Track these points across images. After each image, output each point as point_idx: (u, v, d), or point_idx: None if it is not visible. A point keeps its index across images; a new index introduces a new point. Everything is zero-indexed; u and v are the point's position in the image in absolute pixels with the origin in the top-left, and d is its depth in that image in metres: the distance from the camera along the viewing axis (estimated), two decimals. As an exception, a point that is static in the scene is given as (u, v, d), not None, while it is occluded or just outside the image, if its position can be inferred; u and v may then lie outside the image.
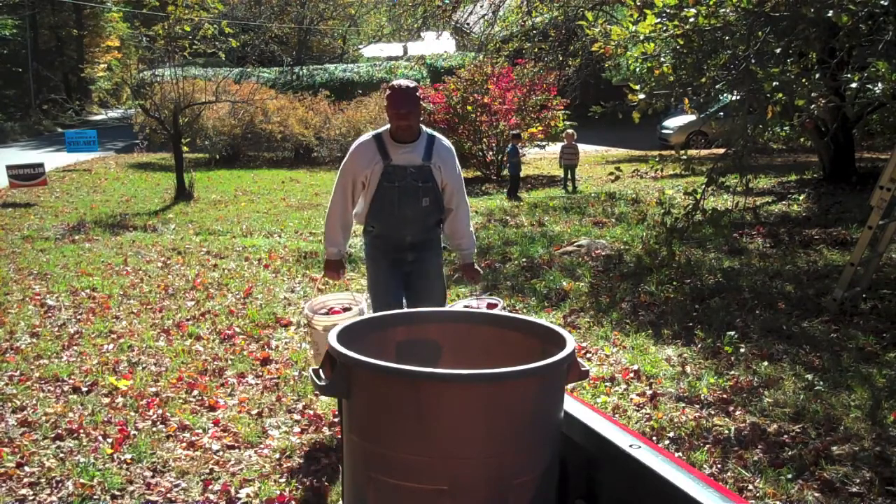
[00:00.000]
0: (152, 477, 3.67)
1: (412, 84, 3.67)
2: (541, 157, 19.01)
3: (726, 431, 4.01)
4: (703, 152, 15.30)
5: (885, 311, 5.66)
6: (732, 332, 5.36)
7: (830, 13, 5.81)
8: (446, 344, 1.78)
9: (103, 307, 6.53)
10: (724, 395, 4.45)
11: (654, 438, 3.93)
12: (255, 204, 13.02)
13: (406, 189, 3.70)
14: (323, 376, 1.50)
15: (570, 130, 14.27)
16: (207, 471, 3.72)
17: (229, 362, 5.22)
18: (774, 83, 6.13)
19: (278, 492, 3.50)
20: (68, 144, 17.15)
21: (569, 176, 13.95)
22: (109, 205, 12.98)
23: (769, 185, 12.58)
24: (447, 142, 3.87)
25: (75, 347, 5.54)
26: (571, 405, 1.59)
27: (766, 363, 4.86)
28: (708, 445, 3.87)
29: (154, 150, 21.66)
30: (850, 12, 5.84)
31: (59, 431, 4.13)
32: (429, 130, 3.84)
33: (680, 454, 3.78)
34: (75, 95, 34.98)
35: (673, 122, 20.19)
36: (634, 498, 1.43)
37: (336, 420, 4.23)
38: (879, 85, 6.04)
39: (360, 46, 35.40)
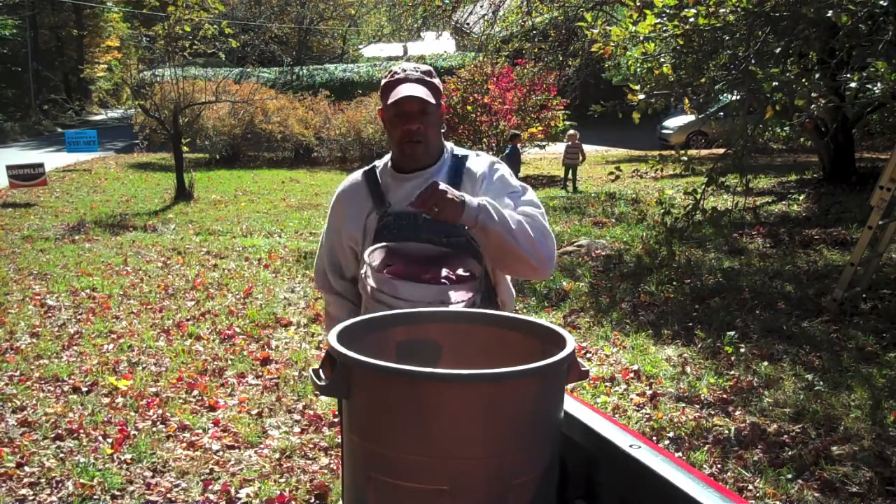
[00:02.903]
0: (152, 477, 3.67)
1: (424, 67, 2.22)
2: (541, 157, 19.01)
3: (726, 431, 4.01)
4: (703, 152, 15.30)
5: (885, 311, 5.66)
6: (732, 332, 5.36)
7: (830, 13, 5.81)
8: (446, 344, 1.78)
9: (103, 307, 6.53)
10: (724, 395, 4.45)
11: (654, 438, 3.93)
12: (255, 204, 13.02)
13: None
14: (323, 376, 1.50)
15: (572, 131, 14.30)
16: (207, 471, 3.72)
17: (229, 362, 5.22)
18: (774, 83, 6.13)
19: (278, 492, 3.50)
20: (68, 144, 17.14)
21: (569, 176, 13.96)
22: (109, 205, 12.97)
23: (769, 185, 12.58)
24: (487, 158, 2.25)
25: (75, 347, 5.54)
26: (571, 405, 1.59)
27: (766, 363, 4.86)
28: (708, 445, 3.87)
29: (154, 150, 21.65)
30: (850, 12, 5.84)
31: (59, 431, 4.13)
32: (457, 149, 2.27)
33: (680, 454, 3.78)
34: (75, 95, 34.97)
35: (673, 122, 20.19)
36: (634, 498, 1.43)
37: (336, 420, 4.23)
38: (879, 85, 6.04)
39: (360, 46, 35.39)
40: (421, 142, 2.15)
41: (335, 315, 2.34)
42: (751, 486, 3.50)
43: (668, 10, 6.55)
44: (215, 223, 10.94)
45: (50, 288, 7.18)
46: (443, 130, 2.26)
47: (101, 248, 9.14)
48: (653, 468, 1.34)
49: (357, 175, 2.32)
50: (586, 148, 14.75)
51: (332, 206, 2.35)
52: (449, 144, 2.29)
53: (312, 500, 3.48)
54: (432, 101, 2.13)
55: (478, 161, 2.23)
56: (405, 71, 2.18)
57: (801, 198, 10.85)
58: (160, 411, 4.39)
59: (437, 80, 2.20)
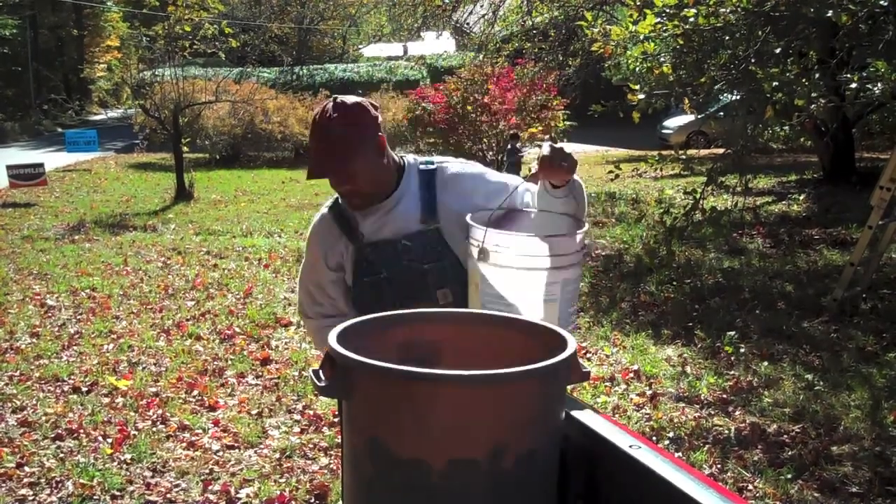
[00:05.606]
0: (152, 477, 3.68)
1: (340, 112, 1.97)
2: (541, 157, 18.99)
3: (726, 431, 4.01)
4: (703, 152, 15.30)
5: (885, 311, 5.66)
6: (732, 332, 5.36)
7: (830, 13, 5.81)
8: (447, 345, 1.78)
9: (103, 307, 6.53)
10: (724, 395, 4.45)
11: (654, 438, 3.93)
12: (255, 204, 13.01)
13: (402, 279, 2.06)
14: (323, 377, 1.50)
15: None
16: (207, 471, 3.72)
17: (229, 362, 5.22)
18: (774, 83, 6.12)
19: (278, 492, 3.51)
20: (68, 144, 17.13)
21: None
22: (109, 205, 12.97)
23: (769, 185, 12.58)
24: (458, 165, 2.16)
25: (75, 347, 5.54)
26: (571, 405, 1.59)
27: (766, 363, 4.86)
28: (708, 445, 3.87)
29: (154, 150, 21.63)
30: (850, 12, 5.83)
31: (59, 431, 4.13)
32: (420, 160, 2.15)
33: (680, 454, 3.78)
34: (75, 95, 34.89)
35: (673, 122, 20.17)
36: (634, 498, 1.43)
37: (336, 420, 4.23)
38: (879, 85, 6.04)
39: (360, 46, 35.37)
40: (357, 198, 2.05)
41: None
42: (751, 486, 3.49)
43: (668, 10, 6.54)
44: (215, 223, 10.94)
45: (50, 288, 7.17)
46: (388, 160, 2.06)
47: (101, 248, 9.14)
48: (653, 468, 1.34)
49: (324, 211, 2.20)
50: (587, 148, 14.79)
51: (308, 247, 2.24)
52: (409, 157, 2.13)
53: (312, 500, 3.48)
54: (347, 170, 1.96)
55: (450, 174, 2.12)
56: (323, 130, 1.96)
57: (800, 198, 10.85)
58: (160, 411, 4.39)
59: (362, 121, 1.99)
